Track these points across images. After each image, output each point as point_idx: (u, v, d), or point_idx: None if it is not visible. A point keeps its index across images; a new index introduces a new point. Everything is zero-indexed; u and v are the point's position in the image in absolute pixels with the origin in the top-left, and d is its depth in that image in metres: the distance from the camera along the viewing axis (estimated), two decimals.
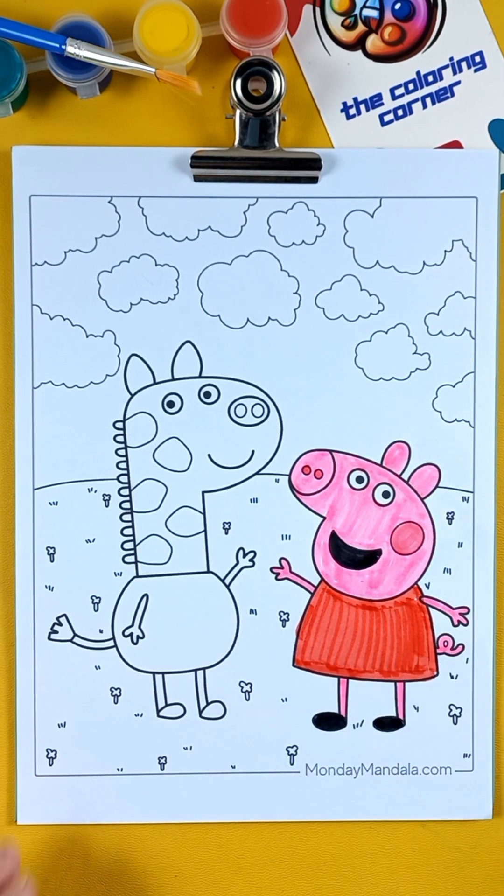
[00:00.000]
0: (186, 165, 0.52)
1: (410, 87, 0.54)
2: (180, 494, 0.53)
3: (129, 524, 0.53)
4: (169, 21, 0.51)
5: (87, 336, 0.53)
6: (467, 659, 0.54)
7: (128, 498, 0.53)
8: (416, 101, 0.54)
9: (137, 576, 0.53)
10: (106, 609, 0.53)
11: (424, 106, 0.54)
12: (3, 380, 0.53)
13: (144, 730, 0.53)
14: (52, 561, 0.53)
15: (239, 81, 0.51)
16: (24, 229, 0.52)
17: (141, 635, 0.53)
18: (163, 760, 0.53)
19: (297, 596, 0.54)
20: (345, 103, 0.54)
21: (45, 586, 0.53)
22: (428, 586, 0.54)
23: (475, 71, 0.54)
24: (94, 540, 0.53)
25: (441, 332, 0.54)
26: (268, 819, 0.53)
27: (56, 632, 0.53)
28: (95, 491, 0.53)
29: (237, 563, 0.53)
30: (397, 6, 0.53)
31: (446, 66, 0.54)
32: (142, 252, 0.53)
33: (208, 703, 0.53)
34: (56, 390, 0.53)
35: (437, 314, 0.54)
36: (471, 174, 0.54)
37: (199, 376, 0.53)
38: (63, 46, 0.50)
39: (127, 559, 0.53)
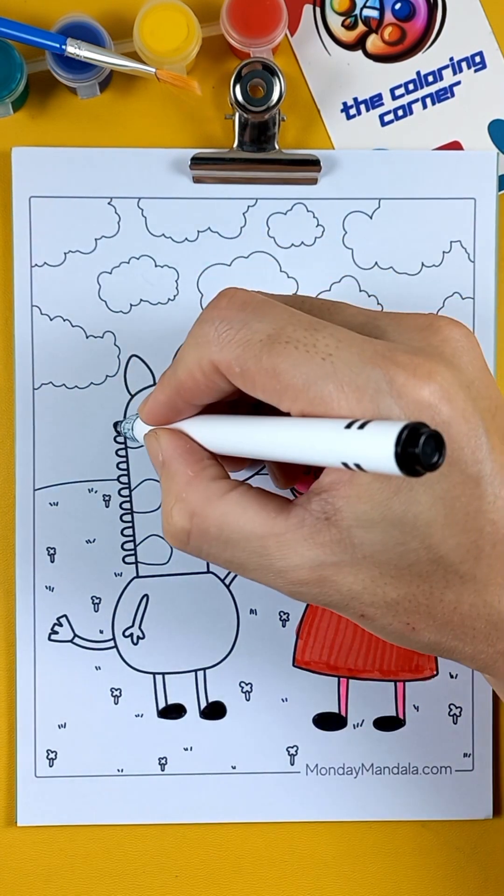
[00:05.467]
0: (186, 167, 0.52)
1: (410, 87, 0.54)
2: None
3: (130, 524, 0.53)
4: (169, 21, 0.51)
5: (87, 337, 0.53)
6: None
7: (128, 498, 0.53)
8: (416, 101, 0.54)
9: (138, 576, 0.53)
10: (106, 609, 0.53)
11: (424, 106, 0.54)
12: (3, 381, 0.53)
13: (145, 730, 0.53)
14: (52, 561, 0.53)
15: (238, 86, 0.51)
16: (24, 230, 0.52)
17: (141, 636, 0.53)
18: (163, 761, 0.53)
19: None
20: (345, 103, 0.54)
21: (46, 587, 0.53)
22: None
23: (475, 71, 0.54)
24: (94, 540, 0.53)
25: None
26: (268, 819, 0.53)
27: (56, 632, 0.53)
28: (96, 491, 0.53)
29: None
30: (397, 6, 0.53)
31: (446, 67, 0.54)
32: (141, 253, 0.53)
33: (208, 704, 0.53)
34: (56, 391, 0.53)
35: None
36: (469, 175, 0.54)
37: None
38: (63, 46, 0.50)
39: (127, 559, 0.53)
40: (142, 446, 0.52)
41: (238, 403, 0.42)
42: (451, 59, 0.54)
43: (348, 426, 0.32)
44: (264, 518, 0.37)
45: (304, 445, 0.34)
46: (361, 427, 0.31)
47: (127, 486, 0.53)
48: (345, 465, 0.32)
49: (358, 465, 0.31)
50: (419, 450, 0.29)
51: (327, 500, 0.36)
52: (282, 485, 0.48)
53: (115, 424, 0.52)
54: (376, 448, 0.30)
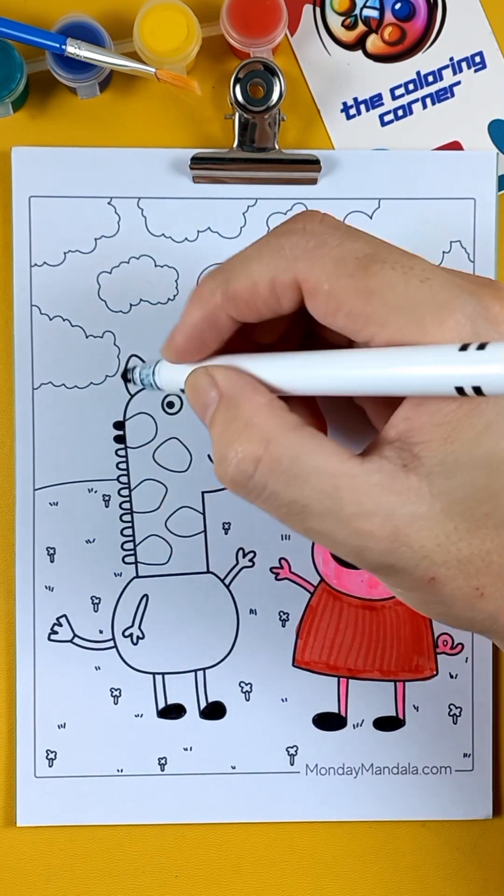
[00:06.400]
0: (186, 167, 0.52)
1: (410, 87, 0.54)
2: (180, 494, 0.53)
3: (129, 524, 0.53)
4: (169, 21, 0.51)
5: (87, 337, 0.53)
6: (467, 658, 0.54)
7: (128, 498, 0.53)
8: (416, 101, 0.54)
9: (137, 576, 0.53)
10: (106, 609, 0.53)
11: (424, 106, 0.54)
12: (2, 381, 0.53)
13: (144, 730, 0.53)
14: (52, 561, 0.53)
15: (238, 86, 0.51)
16: (24, 230, 0.52)
17: (141, 636, 0.53)
18: (163, 761, 0.53)
19: (296, 596, 0.54)
20: (345, 103, 0.54)
21: (45, 587, 0.53)
22: None
23: (475, 71, 0.54)
24: (94, 540, 0.53)
25: None
26: (268, 819, 0.53)
27: (56, 632, 0.53)
28: (95, 491, 0.53)
29: (237, 563, 0.53)
30: (397, 6, 0.53)
31: (446, 67, 0.54)
32: (141, 253, 0.53)
33: (208, 704, 0.53)
34: (56, 391, 0.53)
35: None
36: (469, 175, 0.54)
37: None
38: (63, 46, 0.50)
39: (127, 559, 0.53)
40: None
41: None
42: (451, 59, 0.54)
43: (463, 348, 0.30)
44: (340, 457, 0.34)
45: (410, 371, 0.32)
46: (480, 348, 0.30)
47: (127, 486, 0.53)
48: (459, 391, 0.30)
49: (477, 390, 0.30)
50: None
51: (403, 448, 0.34)
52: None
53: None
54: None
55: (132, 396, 0.53)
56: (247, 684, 0.54)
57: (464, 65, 0.54)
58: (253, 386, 0.36)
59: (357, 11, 0.54)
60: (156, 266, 0.53)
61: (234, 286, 0.36)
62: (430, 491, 0.34)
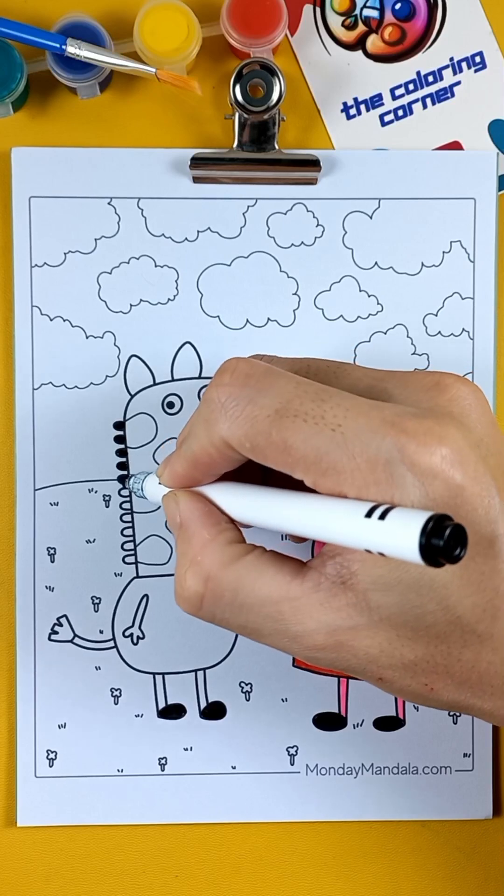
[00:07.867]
0: (186, 167, 0.52)
1: (410, 87, 0.54)
2: None
3: (130, 524, 0.53)
4: (169, 21, 0.51)
5: (87, 337, 0.53)
6: None
7: (128, 498, 0.53)
8: (416, 101, 0.54)
9: (138, 576, 0.53)
10: (106, 609, 0.53)
11: (424, 106, 0.54)
12: (3, 381, 0.53)
13: (144, 731, 0.53)
14: (52, 561, 0.53)
15: (238, 86, 0.51)
16: (24, 231, 0.52)
17: (141, 636, 0.53)
18: (163, 761, 0.53)
19: None
20: (345, 103, 0.54)
21: (46, 587, 0.53)
22: None
23: (475, 71, 0.54)
24: (94, 540, 0.53)
25: (440, 332, 0.54)
26: (268, 819, 0.53)
27: (56, 632, 0.53)
28: (96, 491, 0.53)
29: None
30: (397, 6, 0.53)
31: (446, 67, 0.54)
32: (141, 253, 0.53)
33: (208, 704, 0.53)
34: (56, 391, 0.53)
35: (436, 315, 0.54)
36: (469, 175, 0.54)
37: (199, 377, 0.53)
38: (63, 46, 0.50)
39: (127, 559, 0.53)
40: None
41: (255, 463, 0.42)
42: (451, 59, 0.54)
43: (369, 513, 0.32)
44: (279, 582, 0.37)
45: (327, 528, 0.34)
46: (382, 517, 0.31)
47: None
48: (367, 550, 0.32)
49: (381, 553, 0.32)
50: (443, 543, 0.30)
51: (342, 564, 0.36)
52: (296, 539, 0.48)
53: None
54: (400, 539, 0.30)
55: (132, 396, 0.53)
56: (247, 684, 0.54)
57: (464, 65, 0.54)
58: (206, 518, 0.40)
59: (357, 11, 0.54)
60: (156, 266, 0.53)
61: (194, 451, 0.39)
62: (368, 605, 0.36)
